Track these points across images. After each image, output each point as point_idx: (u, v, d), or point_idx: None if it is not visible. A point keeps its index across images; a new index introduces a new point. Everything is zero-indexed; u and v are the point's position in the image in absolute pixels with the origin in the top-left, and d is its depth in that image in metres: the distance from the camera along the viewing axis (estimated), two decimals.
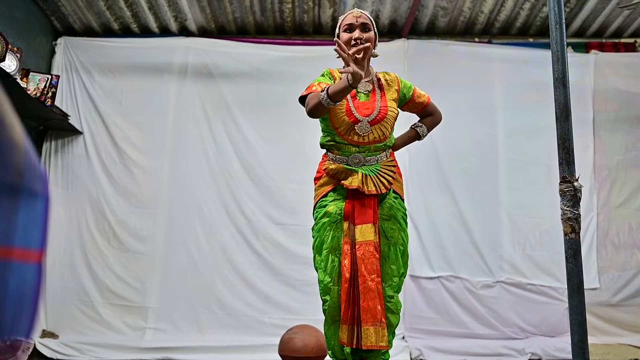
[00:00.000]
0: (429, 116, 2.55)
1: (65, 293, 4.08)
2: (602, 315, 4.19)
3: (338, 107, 2.27)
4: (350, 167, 2.28)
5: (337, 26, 2.43)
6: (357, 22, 2.32)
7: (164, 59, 4.50)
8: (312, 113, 2.19)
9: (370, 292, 2.12)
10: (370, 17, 2.38)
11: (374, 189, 2.23)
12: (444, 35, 4.77)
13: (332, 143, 2.34)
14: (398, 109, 2.42)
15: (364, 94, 2.35)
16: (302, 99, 2.31)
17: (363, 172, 2.25)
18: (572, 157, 1.75)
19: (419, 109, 2.51)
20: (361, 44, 2.27)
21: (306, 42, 4.65)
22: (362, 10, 2.38)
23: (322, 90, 2.10)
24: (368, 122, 2.25)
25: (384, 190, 2.25)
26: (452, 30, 4.76)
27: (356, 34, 2.30)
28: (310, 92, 2.24)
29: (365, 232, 2.19)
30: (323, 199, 2.34)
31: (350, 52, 2.01)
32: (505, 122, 4.49)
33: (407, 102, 2.46)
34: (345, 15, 2.40)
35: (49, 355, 3.77)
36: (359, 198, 2.24)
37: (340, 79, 2.09)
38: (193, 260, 4.19)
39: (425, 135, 2.55)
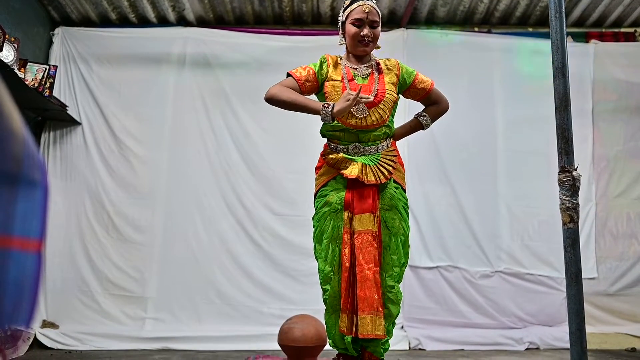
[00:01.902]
0: (433, 104, 2.49)
1: (65, 283, 4.08)
2: (600, 305, 4.21)
3: (334, 89, 2.31)
4: (350, 157, 2.28)
5: (343, 12, 2.39)
6: (366, 18, 2.30)
7: (162, 49, 4.48)
8: (271, 100, 2.32)
9: (367, 281, 2.13)
10: (379, 11, 2.36)
11: (373, 178, 2.23)
12: (444, 25, 4.75)
13: (332, 132, 2.35)
14: (398, 94, 2.41)
15: (362, 77, 2.35)
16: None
17: (363, 161, 2.25)
18: (571, 147, 1.75)
19: (421, 96, 2.46)
20: (369, 40, 2.30)
21: (305, 32, 4.63)
22: (372, 4, 2.32)
23: (326, 106, 2.18)
24: (365, 104, 2.26)
25: (383, 180, 2.25)
26: (451, 20, 4.74)
27: (365, 31, 2.30)
28: (293, 75, 2.35)
29: (364, 221, 2.19)
30: (323, 188, 2.34)
31: (358, 97, 2.12)
32: (505, 112, 4.48)
33: (408, 88, 2.43)
34: (355, 5, 2.33)
35: (49, 345, 3.78)
36: (359, 187, 2.24)
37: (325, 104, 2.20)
38: (192, 250, 4.20)
39: (429, 125, 2.48)
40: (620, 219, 4.43)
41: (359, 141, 2.31)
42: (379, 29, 2.35)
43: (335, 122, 2.29)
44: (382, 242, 2.26)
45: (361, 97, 2.14)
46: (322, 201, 2.31)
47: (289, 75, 2.37)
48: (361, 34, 2.30)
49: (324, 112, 2.16)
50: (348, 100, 2.12)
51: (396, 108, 2.41)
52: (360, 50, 2.34)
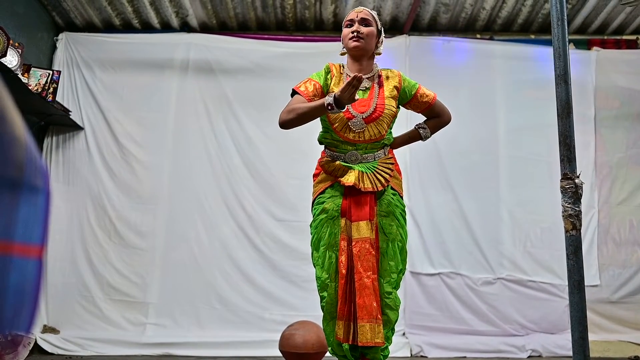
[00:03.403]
0: (435, 117, 2.48)
1: (66, 288, 4.08)
2: (602, 312, 4.19)
3: None
4: (347, 164, 2.28)
5: (343, 25, 2.44)
6: (357, 17, 2.35)
7: (165, 55, 4.50)
8: (284, 126, 2.28)
9: (365, 289, 2.12)
10: (373, 14, 2.39)
11: (370, 186, 2.22)
12: (446, 32, 4.76)
13: (330, 140, 2.35)
14: (397, 107, 2.40)
15: (362, 90, 2.34)
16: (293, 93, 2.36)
17: (359, 169, 2.25)
18: (573, 154, 1.75)
19: (422, 109, 2.46)
20: (359, 36, 2.30)
21: (307, 38, 4.64)
22: (365, 8, 2.40)
23: (330, 107, 2.09)
24: (362, 119, 2.25)
25: (380, 188, 2.25)
26: (453, 27, 4.75)
27: (355, 27, 2.32)
28: (300, 93, 2.30)
29: (361, 229, 2.18)
30: (320, 195, 2.34)
31: (350, 79, 2.01)
32: (507, 119, 4.49)
33: (409, 101, 2.42)
34: (349, 12, 2.42)
35: (50, 351, 3.78)
36: (356, 195, 2.24)
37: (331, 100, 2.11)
38: (193, 255, 4.20)
39: (428, 137, 2.49)
40: (623, 226, 4.41)
41: (356, 149, 2.30)
42: (372, 28, 2.35)
43: (333, 134, 2.29)
44: (380, 248, 2.25)
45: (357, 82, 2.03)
46: (319, 208, 2.31)
47: (294, 92, 2.35)
48: (352, 30, 2.32)
49: (333, 112, 2.11)
50: (350, 92, 2.03)
51: (395, 120, 2.39)
52: (351, 46, 2.33)
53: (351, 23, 2.35)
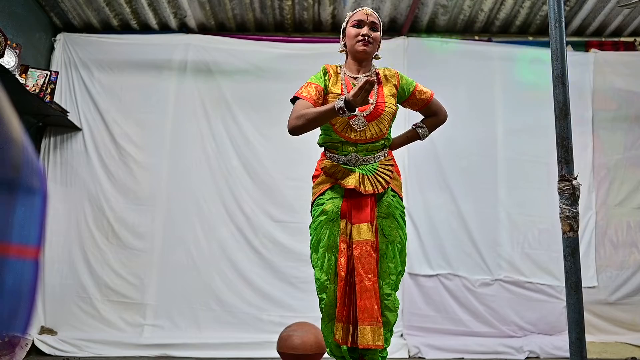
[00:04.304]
0: (432, 115, 2.50)
1: (64, 289, 4.07)
2: (600, 314, 4.20)
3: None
4: (348, 167, 2.28)
5: (345, 21, 2.43)
6: (367, 19, 2.34)
7: (164, 56, 4.49)
8: (294, 133, 2.22)
9: (366, 292, 2.12)
10: (380, 19, 2.40)
11: (370, 188, 2.22)
12: (444, 33, 4.76)
13: (330, 142, 2.34)
14: (397, 105, 2.41)
15: None
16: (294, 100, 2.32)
17: (360, 171, 2.25)
18: (571, 155, 1.75)
19: (420, 107, 2.47)
20: (368, 41, 2.31)
21: (306, 40, 4.64)
22: (373, 11, 2.39)
23: (342, 112, 2.06)
24: (364, 116, 2.25)
25: (380, 190, 2.25)
26: (452, 29, 4.75)
27: (364, 30, 2.33)
28: (304, 98, 2.26)
29: (362, 231, 2.18)
30: (320, 197, 2.33)
31: (362, 83, 1.99)
32: (505, 121, 4.49)
33: (407, 99, 2.43)
34: (355, 11, 2.40)
35: (47, 352, 3.77)
36: (356, 197, 2.23)
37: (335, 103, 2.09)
38: (191, 257, 4.19)
39: (426, 136, 2.50)
40: (621, 227, 4.42)
41: (357, 151, 2.30)
42: (379, 33, 2.37)
43: (334, 134, 2.29)
44: (379, 250, 2.25)
45: (369, 85, 2.00)
46: (319, 210, 2.31)
47: (296, 98, 2.30)
48: (361, 33, 2.32)
49: (345, 115, 2.09)
50: (362, 97, 2.01)
51: (394, 119, 2.40)
52: (360, 49, 2.33)
53: (360, 24, 2.34)
